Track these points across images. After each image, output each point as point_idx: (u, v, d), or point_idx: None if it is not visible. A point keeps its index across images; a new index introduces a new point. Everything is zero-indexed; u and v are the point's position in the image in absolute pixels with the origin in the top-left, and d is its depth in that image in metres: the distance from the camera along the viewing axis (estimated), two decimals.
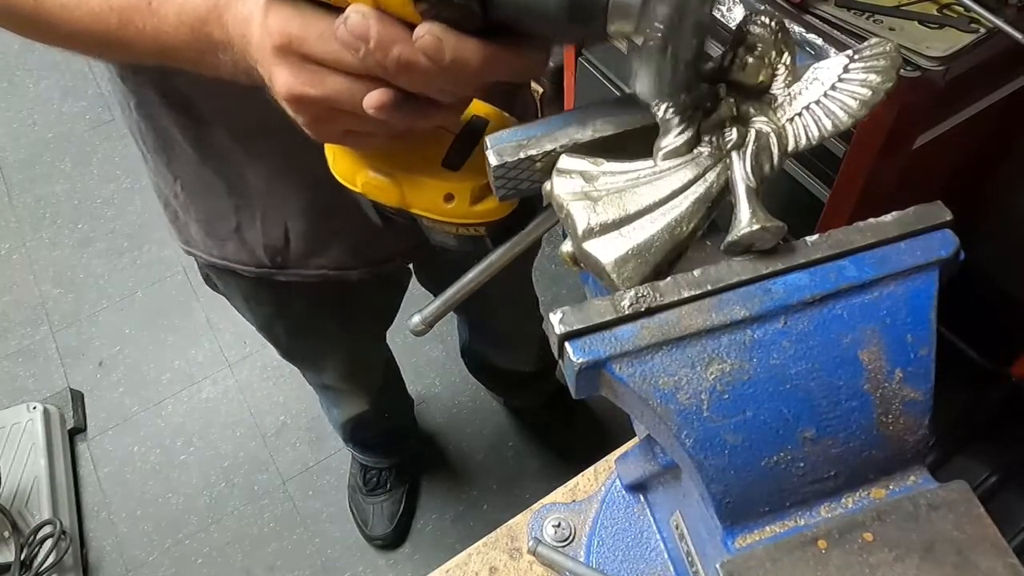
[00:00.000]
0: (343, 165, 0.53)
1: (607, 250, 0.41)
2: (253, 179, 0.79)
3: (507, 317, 1.41)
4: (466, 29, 0.39)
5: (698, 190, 0.42)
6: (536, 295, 1.43)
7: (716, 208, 0.43)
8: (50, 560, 1.56)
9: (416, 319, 0.53)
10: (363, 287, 0.93)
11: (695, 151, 0.43)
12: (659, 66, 0.39)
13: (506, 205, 0.51)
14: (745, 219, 0.41)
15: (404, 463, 1.74)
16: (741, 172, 0.41)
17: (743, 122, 0.42)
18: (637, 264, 0.41)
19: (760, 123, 0.42)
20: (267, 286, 0.91)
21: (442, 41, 0.38)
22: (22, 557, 1.54)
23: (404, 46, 0.39)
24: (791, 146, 0.43)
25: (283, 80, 0.43)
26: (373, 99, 0.41)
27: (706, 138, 0.43)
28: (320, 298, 0.96)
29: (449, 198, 0.51)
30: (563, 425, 1.80)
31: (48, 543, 1.57)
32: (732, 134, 0.42)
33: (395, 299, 1.16)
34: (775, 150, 0.42)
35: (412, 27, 0.39)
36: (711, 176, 0.42)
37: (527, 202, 0.50)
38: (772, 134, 0.42)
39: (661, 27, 0.37)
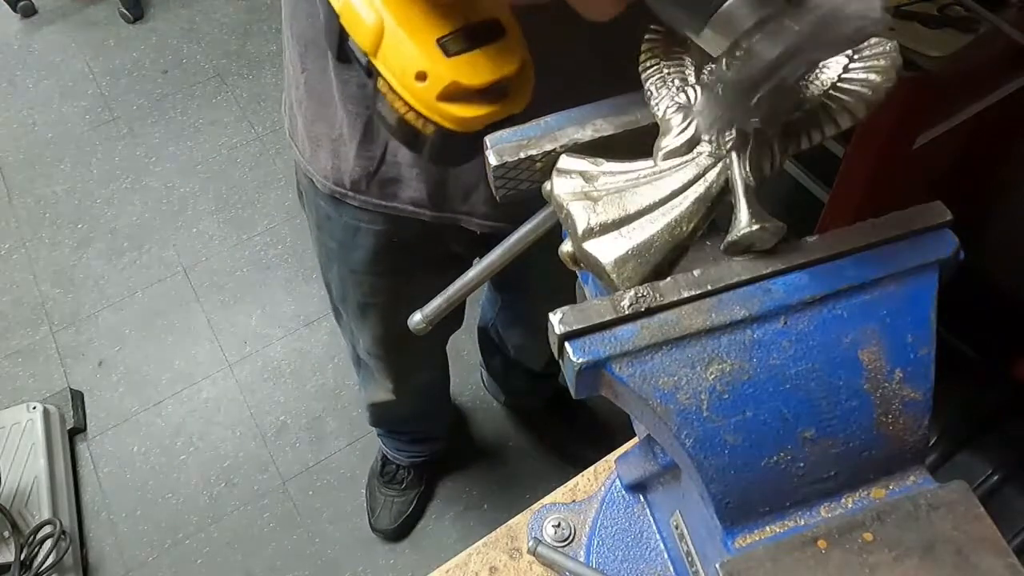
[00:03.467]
0: None
1: (607, 250, 0.41)
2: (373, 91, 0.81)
3: (541, 294, 1.37)
4: None
5: (698, 190, 0.42)
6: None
7: (716, 208, 0.42)
8: (50, 560, 1.55)
9: (417, 317, 0.53)
10: (426, 250, 0.96)
11: (695, 151, 0.43)
12: (725, 94, 0.39)
13: (469, 123, 0.47)
14: (745, 219, 0.41)
15: (423, 464, 1.73)
16: (741, 172, 0.41)
17: None
18: (637, 264, 0.41)
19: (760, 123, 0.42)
20: (338, 217, 0.94)
21: None
22: (22, 557, 1.54)
23: None
24: (791, 146, 0.43)
25: None
26: None
27: (706, 138, 0.43)
28: (384, 245, 0.97)
29: (421, 77, 0.45)
30: (563, 425, 1.79)
31: (48, 543, 1.57)
32: (732, 134, 0.42)
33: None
34: (775, 150, 0.42)
35: None
36: (711, 176, 0.42)
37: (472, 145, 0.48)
38: (772, 134, 0.42)
39: (752, 64, 0.37)
